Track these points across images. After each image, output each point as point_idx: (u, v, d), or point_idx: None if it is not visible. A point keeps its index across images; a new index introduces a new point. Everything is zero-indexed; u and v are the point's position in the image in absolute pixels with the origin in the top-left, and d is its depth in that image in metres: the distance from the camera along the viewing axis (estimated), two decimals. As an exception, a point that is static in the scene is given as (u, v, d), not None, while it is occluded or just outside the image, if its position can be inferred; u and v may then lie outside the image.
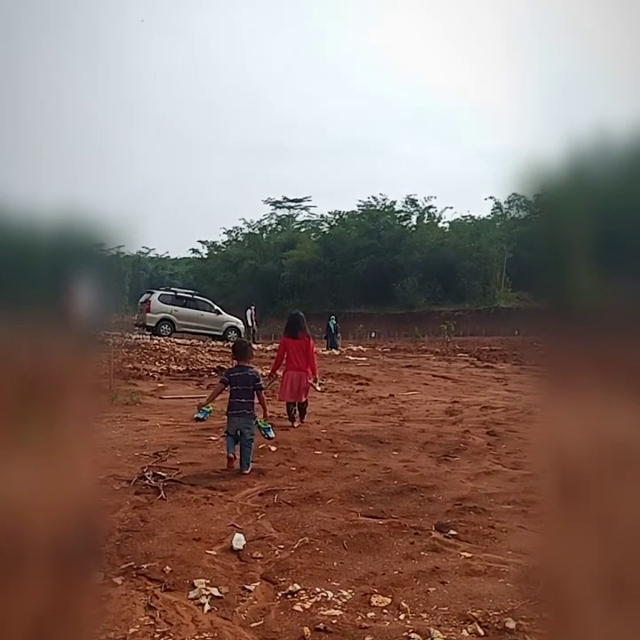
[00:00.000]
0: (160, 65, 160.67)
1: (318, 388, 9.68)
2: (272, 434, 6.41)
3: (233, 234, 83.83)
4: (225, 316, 27.84)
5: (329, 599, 3.43)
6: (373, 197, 71.32)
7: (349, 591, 3.52)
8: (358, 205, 72.76)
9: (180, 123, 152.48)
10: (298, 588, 3.53)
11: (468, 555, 4.04)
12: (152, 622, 3.15)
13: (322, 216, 78.77)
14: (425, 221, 70.17)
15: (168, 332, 25.47)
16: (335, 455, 6.70)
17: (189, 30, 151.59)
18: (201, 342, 24.43)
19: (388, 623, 3.19)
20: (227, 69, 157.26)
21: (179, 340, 23.61)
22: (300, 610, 3.30)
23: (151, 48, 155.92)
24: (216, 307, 27.65)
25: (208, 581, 3.57)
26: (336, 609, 3.31)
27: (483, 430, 8.35)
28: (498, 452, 7.06)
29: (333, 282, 66.01)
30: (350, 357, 23.26)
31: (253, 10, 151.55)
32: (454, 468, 6.32)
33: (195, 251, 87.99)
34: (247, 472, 5.79)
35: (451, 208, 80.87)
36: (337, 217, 74.67)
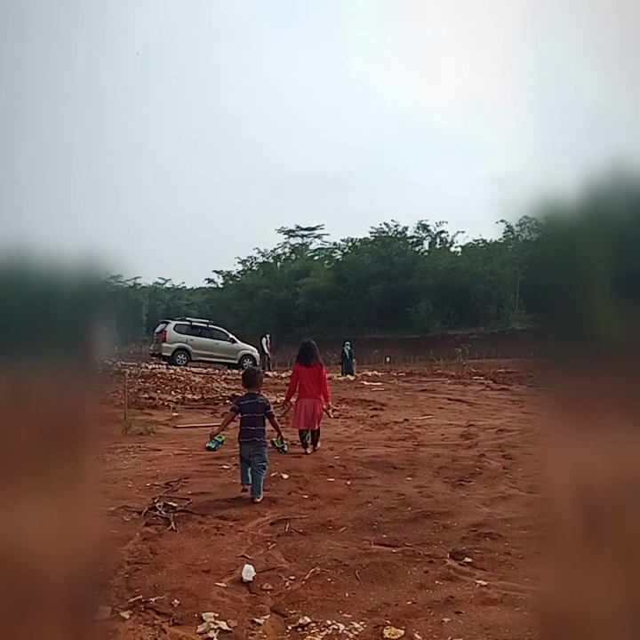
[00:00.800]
0: (172, 99, 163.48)
1: (331, 415, 9.64)
2: (286, 448, 6.74)
3: (247, 263, 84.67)
4: (240, 344, 27.89)
5: (340, 632, 3.33)
6: (385, 224, 71.88)
7: (361, 623, 3.42)
8: (371, 232, 73.34)
9: (190, 155, 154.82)
10: (308, 620, 3.43)
11: (484, 583, 3.93)
12: (159, 658, 3.08)
13: (335, 243, 79.52)
14: (437, 246, 70.44)
15: (184, 362, 25.55)
16: (348, 482, 6.60)
17: (197, 67, 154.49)
18: (217, 371, 24.46)
19: (401, 656, 3.10)
20: (238, 99, 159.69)
21: (194, 369, 23.63)
22: (311, 643, 3.21)
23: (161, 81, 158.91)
24: (231, 335, 27.72)
25: (217, 615, 3.49)
26: (347, 642, 3.23)
27: (498, 454, 8.22)
28: (514, 475, 6.93)
29: (348, 308, 66.10)
30: (365, 383, 23.15)
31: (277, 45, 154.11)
32: (469, 493, 6.21)
33: (210, 280, 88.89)
34: (259, 500, 5.73)
35: (462, 232, 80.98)
36: (350, 244, 75.24)
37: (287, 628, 3.38)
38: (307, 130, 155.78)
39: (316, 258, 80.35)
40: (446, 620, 3.45)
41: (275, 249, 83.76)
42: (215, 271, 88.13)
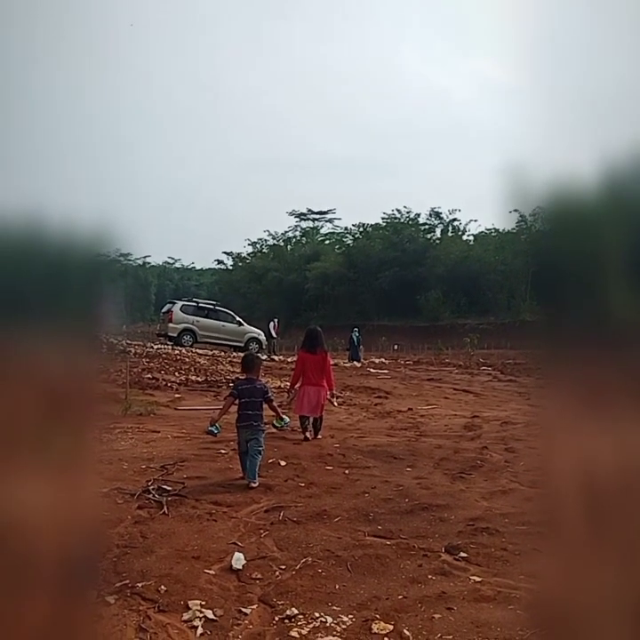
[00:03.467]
0: (188, 75, 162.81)
1: (335, 404, 9.56)
2: (288, 422, 6.76)
3: (258, 245, 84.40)
4: (246, 327, 27.84)
5: (328, 625, 3.27)
6: (397, 210, 71.30)
7: (350, 617, 3.36)
8: (382, 218, 72.77)
9: (202, 136, 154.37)
10: (296, 612, 3.37)
11: (478, 579, 3.86)
12: (142, 645, 3.02)
13: (346, 228, 78.99)
14: (449, 234, 69.92)
15: (190, 343, 25.54)
16: (346, 471, 6.53)
17: (214, 45, 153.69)
18: (222, 353, 24.43)
19: (388, 653, 3.03)
20: (252, 84, 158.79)
21: (200, 351, 23.61)
22: (297, 636, 3.14)
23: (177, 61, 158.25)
24: (238, 318, 27.67)
25: (203, 603, 3.43)
26: (334, 636, 3.16)
27: (501, 446, 8.12)
28: (516, 469, 6.83)
29: (357, 294, 65.89)
30: (371, 370, 23.05)
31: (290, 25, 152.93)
32: (469, 486, 6.12)
33: (220, 262, 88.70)
34: (254, 486, 5.66)
35: (475, 221, 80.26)
36: (361, 229, 74.71)
37: (274, 619, 3.32)
38: (322, 113, 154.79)
39: (327, 242, 79.90)
40: (437, 616, 3.38)
41: (285, 232, 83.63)
42: (225, 252, 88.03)
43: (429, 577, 3.88)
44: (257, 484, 5.72)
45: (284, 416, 6.60)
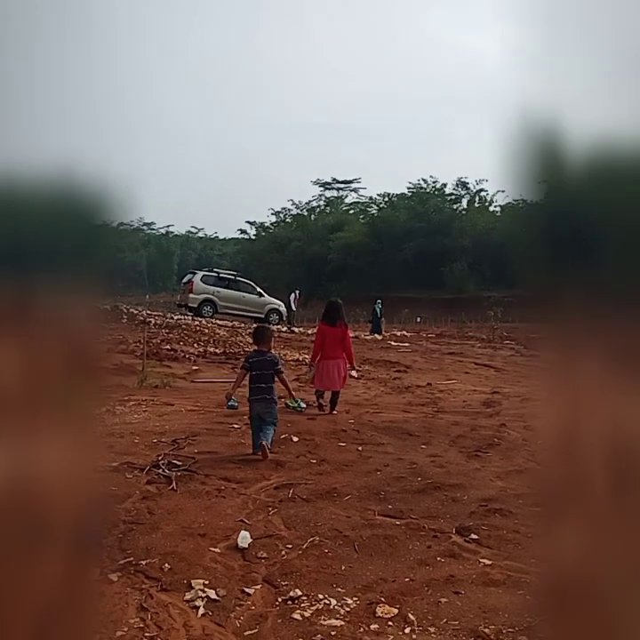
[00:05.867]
0: (216, 44, 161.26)
1: (354, 374, 9.43)
2: (303, 405, 6.90)
3: (281, 215, 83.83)
4: (267, 298, 27.79)
5: (331, 607, 3.22)
6: (423, 180, 70.11)
7: (354, 599, 3.31)
8: (408, 188, 71.67)
9: (223, 101, 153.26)
10: (300, 593, 3.33)
11: (488, 562, 3.78)
12: (142, 625, 3.00)
13: (371, 198, 77.97)
14: (476, 205, 68.79)
15: (210, 313, 25.59)
16: (359, 448, 6.46)
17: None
18: (242, 324, 24.45)
19: (391, 637, 2.97)
20: (279, 49, 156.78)
21: (220, 322, 23.65)
22: (299, 618, 3.10)
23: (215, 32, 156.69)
24: (258, 289, 27.61)
25: (206, 582, 3.40)
26: (337, 619, 3.11)
27: (520, 424, 7.97)
28: (533, 448, 6.70)
29: (380, 265, 65.27)
30: (392, 343, 22.91)
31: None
32: (485, 464, 6.02)
33: (243, 231, 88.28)
34: (268, 450, 5.70)
35: (502, 191, 78.71)
36: (386, 199, 73.75)
37: (277, 600, 3.28)
38: (349, 80, 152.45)
39: (351, 212, 78.99)
40: (444, 600, 3.32)
41: (309, 201, 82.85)
42: (248, 222, 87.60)
43: (438, 559, 3.82)
44: (271, 447, 5.74)
45: (299, 400, 6.53)
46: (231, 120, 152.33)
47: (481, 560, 3.81)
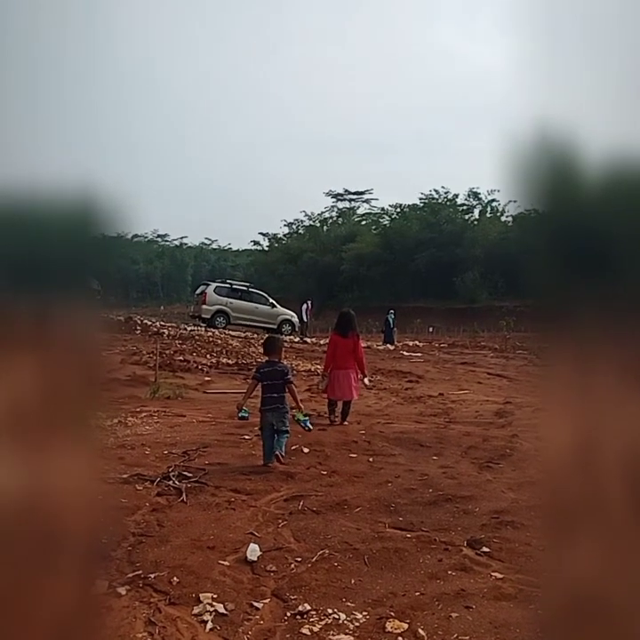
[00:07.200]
0: (228, 58, 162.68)
1: (368, 383, 9.39)
2: (310, 425, 6.64)
3: (294, 226, 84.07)
4: (279, 309, 27.81)
5: (340, 622, 3.19)
6: (435, 190, 70.07)
7: (364, 614, 3.27)
8: (420, 198, 71.67)
9: (238, 117, 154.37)
10: (308, 608, 3.29)
11: (500, 576, 3.73)
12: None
13: (383, 209, 78.08)
14: (488, 215, 68.64)
15: (223, 325, 25.64)
16: (370, 459, 6.42)
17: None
18: (255, 335, 24.46)
19: (400, 653, 2.94)
20: (292, 65, 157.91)
21: (233, 333, 23.67)
22: (308, 633, 3.07)
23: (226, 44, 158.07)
24: (271, 300, 27.64)
25: (215, 596, 3.38)
26: (347, 634, 3.07)
27: (532, 434, 7.90)
28: (545, 460, 6.62)
29: (393, 275, 65.22)
30: (405, 353, 22.83)
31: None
32: (496, 476, 5.96)
33: (256, 243, 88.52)
34: (282, 458, 5.79)
35: (514, 202, 78.00)
36: (398, 210, 73.85)
37: (286, 615, 3.25)
38: (360, 93, 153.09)
39: (363, 223, 79.11)
40: (454, 614, 3.27)
41: (322, 212, 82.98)
42: (261, 233, 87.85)
43: (449, 573, 3.77)
44: (284, 455, 5.81)
45: (307, 417, 6.52)
46: (251, 136, 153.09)
47: (492, 573, 3.76)
